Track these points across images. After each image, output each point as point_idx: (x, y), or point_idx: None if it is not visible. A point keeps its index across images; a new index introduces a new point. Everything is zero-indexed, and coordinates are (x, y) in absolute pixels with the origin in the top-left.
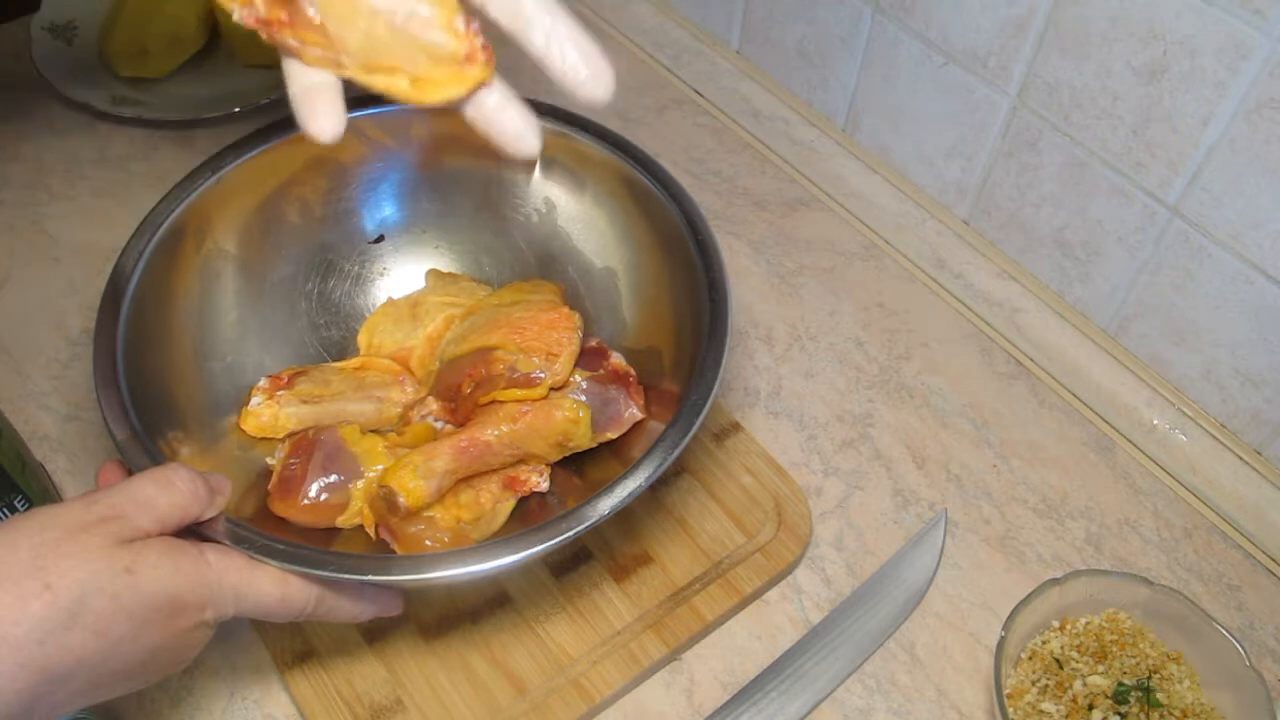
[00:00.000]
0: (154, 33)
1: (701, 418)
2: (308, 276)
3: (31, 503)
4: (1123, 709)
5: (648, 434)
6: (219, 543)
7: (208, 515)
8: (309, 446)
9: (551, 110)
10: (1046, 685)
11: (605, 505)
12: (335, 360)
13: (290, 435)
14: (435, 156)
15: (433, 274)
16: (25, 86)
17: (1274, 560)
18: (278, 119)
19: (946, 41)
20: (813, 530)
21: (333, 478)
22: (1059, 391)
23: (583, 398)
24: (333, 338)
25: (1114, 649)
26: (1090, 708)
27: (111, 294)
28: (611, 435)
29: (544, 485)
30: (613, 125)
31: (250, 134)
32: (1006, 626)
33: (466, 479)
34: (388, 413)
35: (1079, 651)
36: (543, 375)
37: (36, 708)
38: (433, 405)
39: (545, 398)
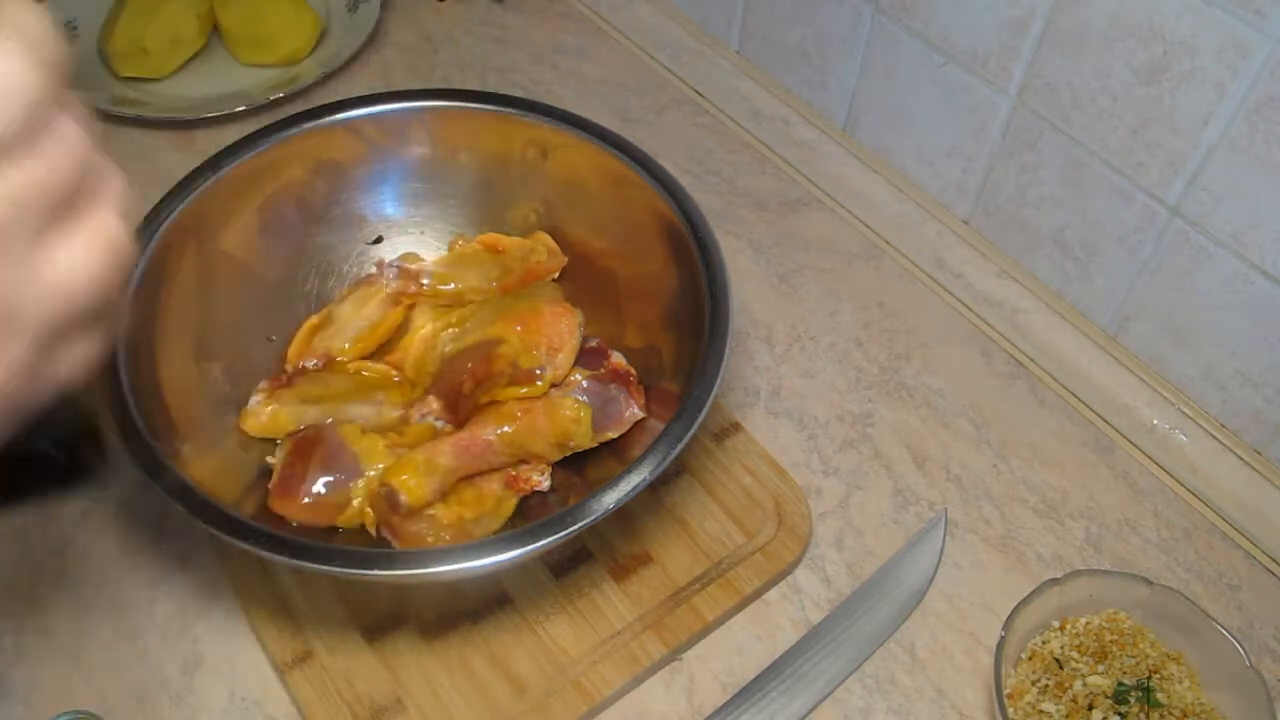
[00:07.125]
0: (154, 33)
1: (702, 416)
2: (307, 277)
3: None
4: (1123, 709)
5: (648, 433)
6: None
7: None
8: (310, 445)
9: (550, 110)
10: (1046, 685)
11: (607, 500)
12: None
13: (290, 434)
14: (434, 158)
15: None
16: None
17: (1274, 560)
18: (278, 119)
19: (946, 41)
20: (813, 530)
21: (334, 476)
22: (1059, 391)
23: (583, 397)
24: None
25: (1114, 649)
26: (1090, 708)
27: None
28: (612, 434)
29: (545, 484)
30: (613, 125)
31: (250, 134)
32: (1006, 626)
33: (468, 478)
34: (386, 415)
35: (1079, 651)
36: (543, 371)
37: None
38: (433, 405)
39: (545, 395)
